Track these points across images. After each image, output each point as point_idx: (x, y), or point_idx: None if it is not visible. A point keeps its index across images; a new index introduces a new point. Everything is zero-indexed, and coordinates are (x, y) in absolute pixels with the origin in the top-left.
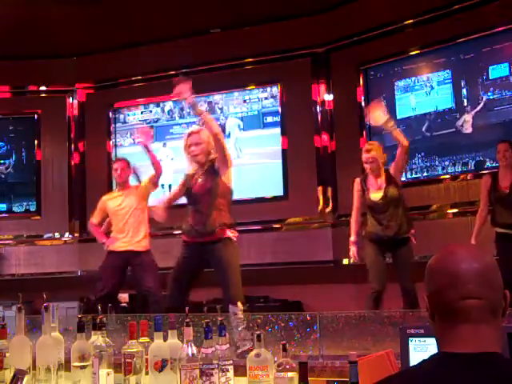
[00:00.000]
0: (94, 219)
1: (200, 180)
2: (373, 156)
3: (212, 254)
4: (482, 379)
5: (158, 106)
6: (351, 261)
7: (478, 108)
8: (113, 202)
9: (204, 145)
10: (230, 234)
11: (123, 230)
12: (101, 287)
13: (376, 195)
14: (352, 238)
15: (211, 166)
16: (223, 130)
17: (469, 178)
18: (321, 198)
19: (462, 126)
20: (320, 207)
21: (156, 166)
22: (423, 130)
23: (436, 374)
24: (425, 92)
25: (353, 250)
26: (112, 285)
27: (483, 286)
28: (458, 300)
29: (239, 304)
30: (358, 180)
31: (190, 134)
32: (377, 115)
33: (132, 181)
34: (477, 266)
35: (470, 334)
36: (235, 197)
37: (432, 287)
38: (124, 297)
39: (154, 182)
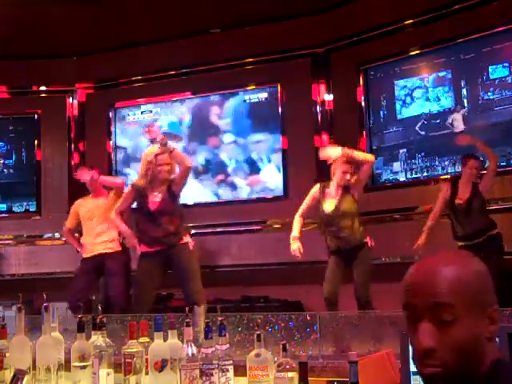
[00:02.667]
0: (68, 224)
1: (158, 198)
2: (351, 169)
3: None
4: None
5: (158, 106)
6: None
7: (467, 108)
8: (84, 207)
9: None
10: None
11: (92, 236)
12: (70, 293)
13: (330, 206)
14: (293, 234)
15: (169, 185)
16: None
17: None
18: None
19: (451, 124)
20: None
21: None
22: (423, 130)
23: None
24: (425, 92)
25: (297, 245)
26: (81, 290)
27: None
28: None
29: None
30: (318, 186)
31: (157, 154)
32: (330, 151)
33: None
34: None
35: None
36: (236, 197)
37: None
38: None
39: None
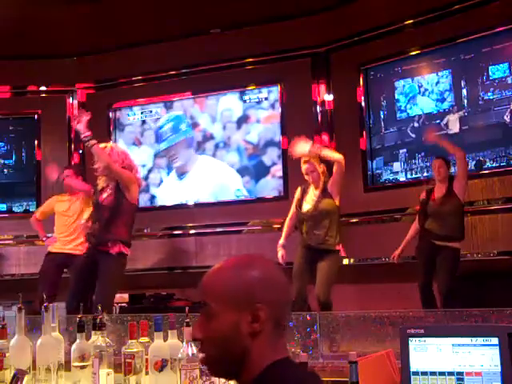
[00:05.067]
0: (39, 215)
1: (106, 194)
2: (312, 166)
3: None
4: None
5: (158, 106)
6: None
7: (463, 111)
8: (61, 204)
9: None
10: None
11: (64, 233)
12: (40, 289)
13: (308, 206)
14: (281, 241)
15: (117, 183)
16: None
17: (468, 178)
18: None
19: (446, 125)
20: None
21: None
22: (423, 130)
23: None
24: (425, 92)
25: (281, 252)
26: (50, 286)
27: None
28: (287, 315)
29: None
30: (299, 188)
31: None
32: (301, 146)
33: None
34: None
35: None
36: (236, 196)
37: (275, 298)
38: (124, 297)
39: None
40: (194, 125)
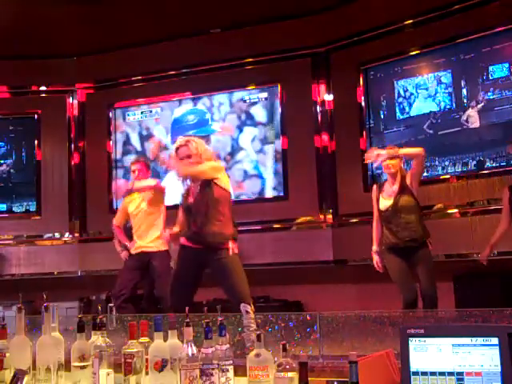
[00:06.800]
0: (116, 221)
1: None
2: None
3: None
4: None
5: (158, 105)
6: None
7: (482, 104)
8: (132, 204)
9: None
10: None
11: (139, 232)
12: (118, 288)
13: (386, 202)
14: (374, 248)
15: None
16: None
17: (469, 178)
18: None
19: (466, 121)
20: (320, 207)
21: None
22: (423, 130)
23: None
24: (425, 92)
25: (376, 259)
26: (127, 285)
27: None
28: None
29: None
30: (374, 187)
31: (178, 148)
32: (371, 155)
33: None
34: None
35: None
36: (236, 197)
37: None
38: None
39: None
40: (149, 136)
